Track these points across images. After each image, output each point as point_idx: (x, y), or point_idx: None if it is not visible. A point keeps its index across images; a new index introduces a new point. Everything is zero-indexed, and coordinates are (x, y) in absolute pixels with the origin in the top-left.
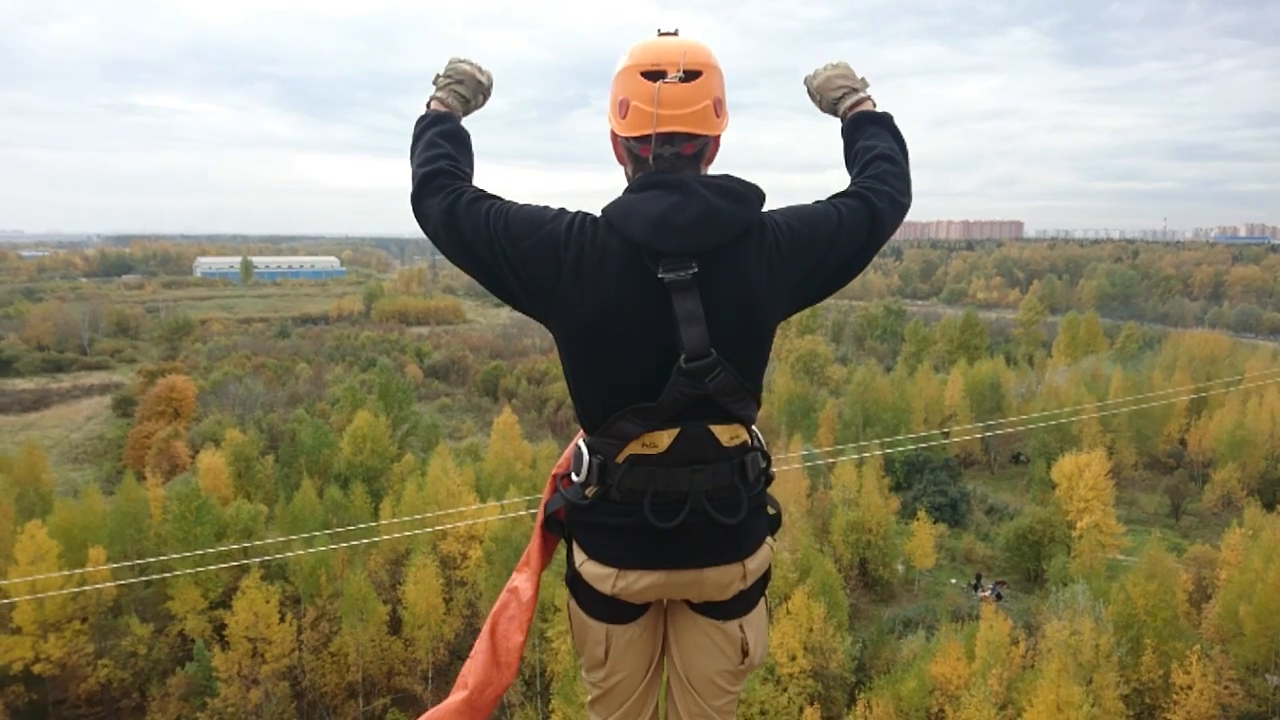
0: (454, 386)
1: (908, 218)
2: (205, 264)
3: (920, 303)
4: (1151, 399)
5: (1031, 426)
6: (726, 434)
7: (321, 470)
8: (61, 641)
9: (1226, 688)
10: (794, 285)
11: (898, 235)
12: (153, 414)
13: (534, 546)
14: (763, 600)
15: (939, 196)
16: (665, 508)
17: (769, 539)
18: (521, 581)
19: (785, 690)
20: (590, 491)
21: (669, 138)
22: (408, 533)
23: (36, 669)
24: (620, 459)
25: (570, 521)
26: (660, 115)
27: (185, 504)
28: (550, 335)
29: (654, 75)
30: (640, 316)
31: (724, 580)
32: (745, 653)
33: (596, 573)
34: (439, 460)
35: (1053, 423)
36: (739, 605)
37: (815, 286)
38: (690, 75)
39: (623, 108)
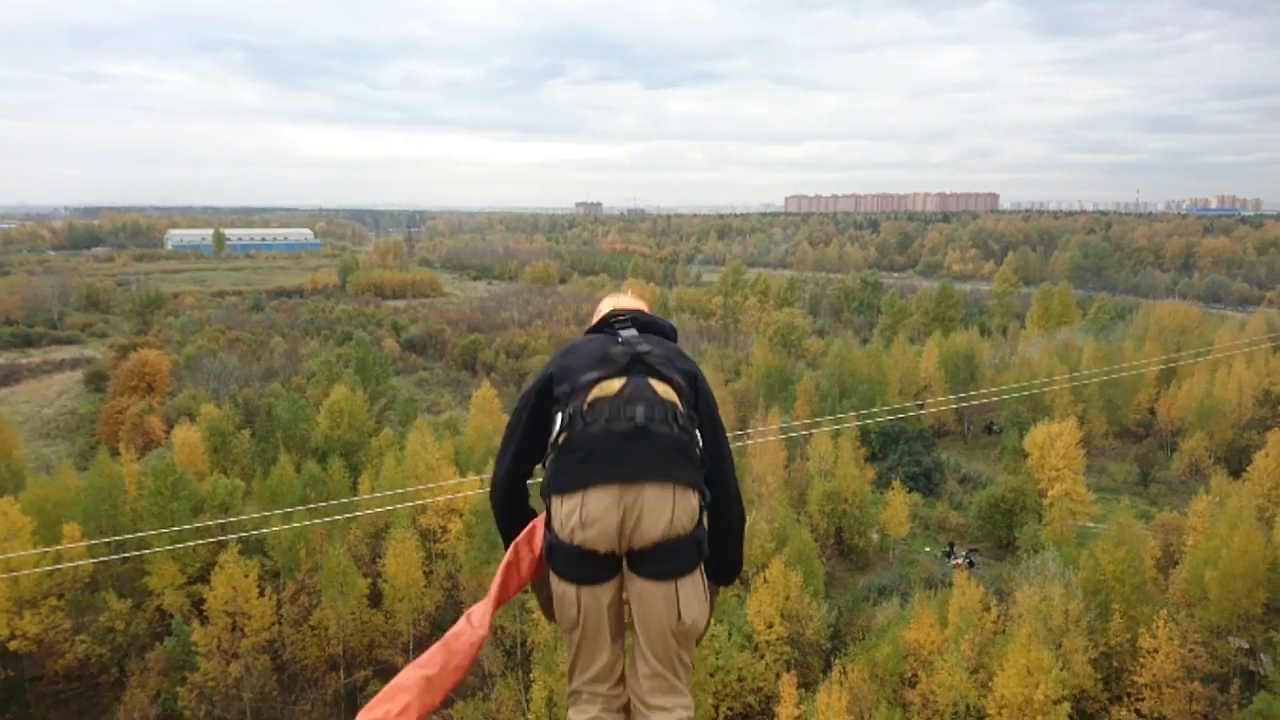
0: (432, 360)
1: (885, 190)
2: (176, 236)
3: (896, 275)
4: (1122, 369)
5: (1005, 397)
6: (661, 388)
7: (299, 444)
8: (38, 618)
9: (1191, 650)
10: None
11: (874, 208)
12: (126, 389)
13: (496, 581)
14: (699, 573)
15: (916, 169)
16: (618, 424)
17: (695, 494)
18: (479, 612)
19: (763, 657)
20: (562, 438)
21: None
22: (387, 508)
23: (13, 646)
24: (585, 404)
25: (546, 488)
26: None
27: (161, 479)
28: (528, 310)
29: None
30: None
31: (660, 505)
32: (680, 616)
33: (567, 509)
34: (417, 434)
35: (1025, 393)
36: (674, 565)
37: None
38: None
39: None
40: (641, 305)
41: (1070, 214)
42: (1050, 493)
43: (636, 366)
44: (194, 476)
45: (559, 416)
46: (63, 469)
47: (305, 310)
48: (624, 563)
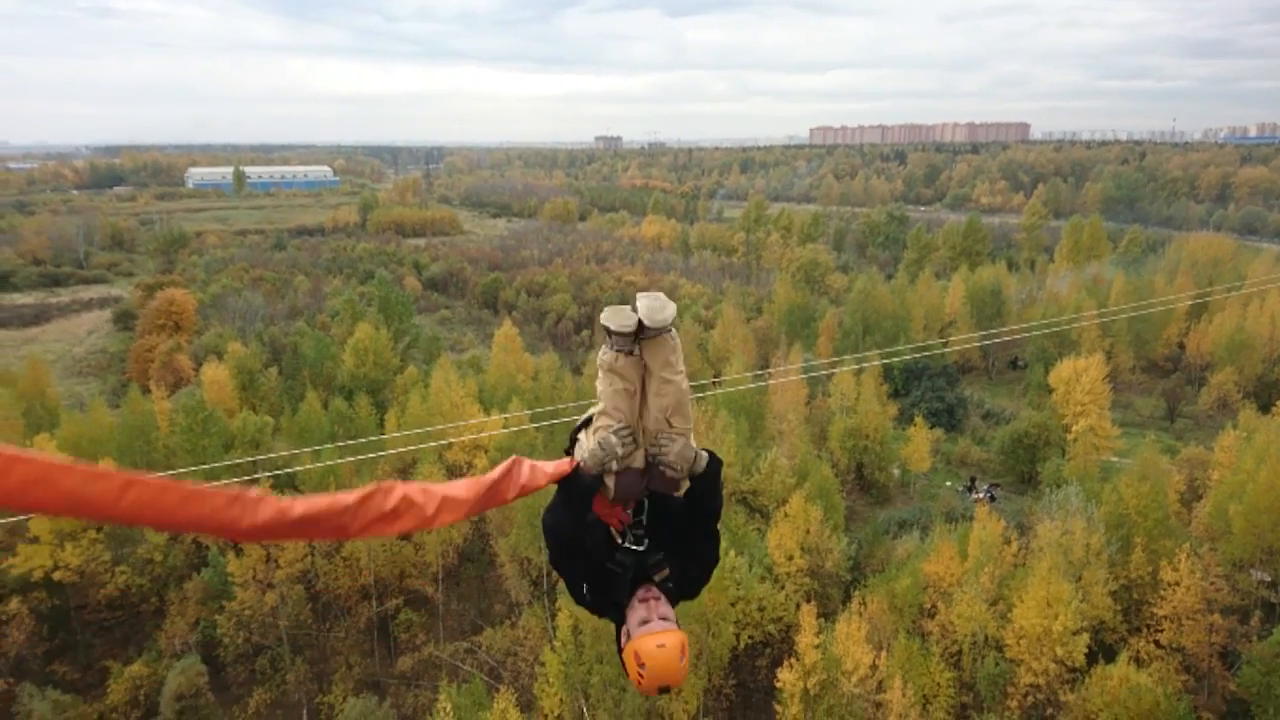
0: (453, 299)
1: (912, 121)
2: (197, 175)
3: (923, 208)
4: (1152, 304)
5: (1030, 335)
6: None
7: (325, 382)
8: (79, 550)
9: (1213, 583)
10: None
11: (902, 139)
12: (153, 328)
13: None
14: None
15: (944, 98)
16: None
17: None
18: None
19: (783, 588)
20: None
21: None
22: (414, 447)
23: (57, 576)
24: None
25: None
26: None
27: (192, 416)
28: (548, 248)
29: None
30: None
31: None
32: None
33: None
34: (441, 372)
35: (1052, 329)
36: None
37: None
38: None
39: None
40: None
41: (1103, 144)
42: (1074, 428)
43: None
44: (224, 414)
45: None
46: (96, 406)
47: (327, 249)
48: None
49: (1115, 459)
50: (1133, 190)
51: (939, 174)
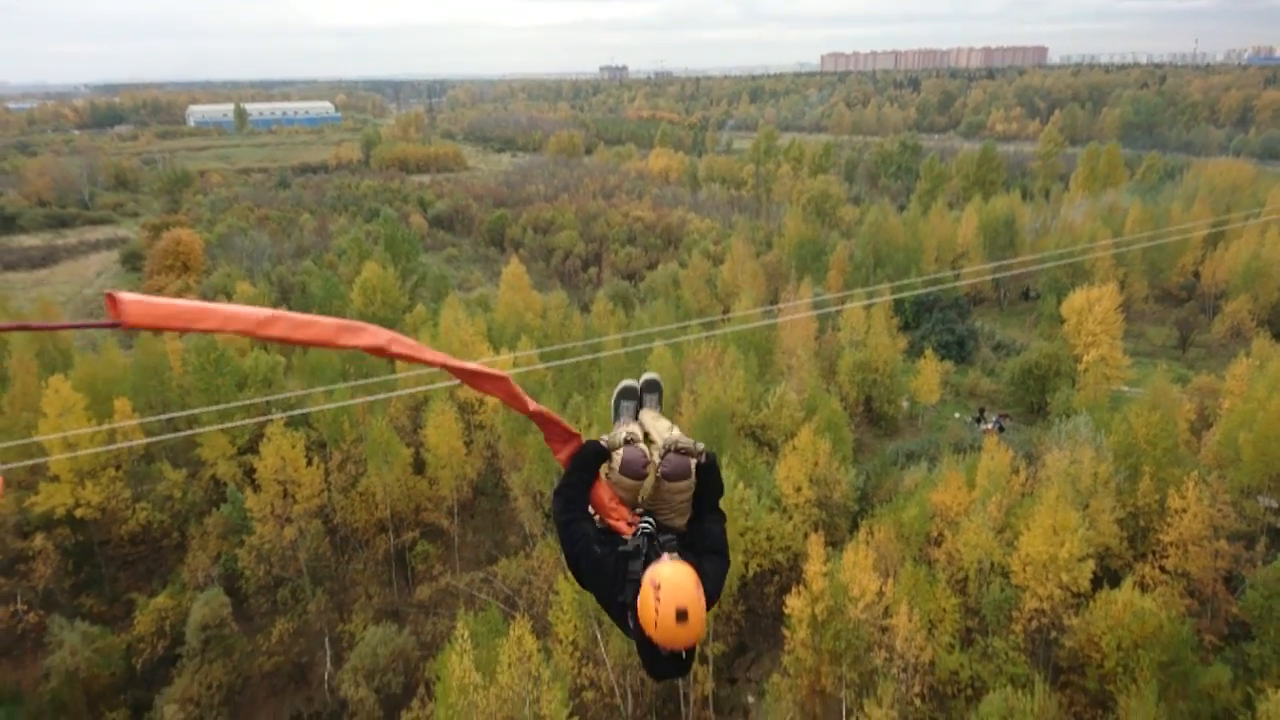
0: (459, 236)
1: (926, 46)
2: (198, 113)
3: (937, 136)
4: (1168, 233)
5: (1043, 266)
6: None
7: None
8: (99, 487)
9: (1220, 510)
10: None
11: (915, 65)
12: (162, 268)
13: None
14: None
15: (959, 21)
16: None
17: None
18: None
19: (791, 518)
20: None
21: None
22: (424, 387)
23: (79, 513)
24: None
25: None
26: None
27: (204, 356)
28: (554, 183)
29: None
30: None
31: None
32: None
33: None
34: (450, 311)
35: (1066, 262)
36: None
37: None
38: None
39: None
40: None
41: (1123, 67)
42: (1085, 358)
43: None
44: (235, 353)
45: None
46: (108, 348)
47: (331, 186)
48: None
49: (1126, 389)
50: (1151, 115)
51: (953, 101)
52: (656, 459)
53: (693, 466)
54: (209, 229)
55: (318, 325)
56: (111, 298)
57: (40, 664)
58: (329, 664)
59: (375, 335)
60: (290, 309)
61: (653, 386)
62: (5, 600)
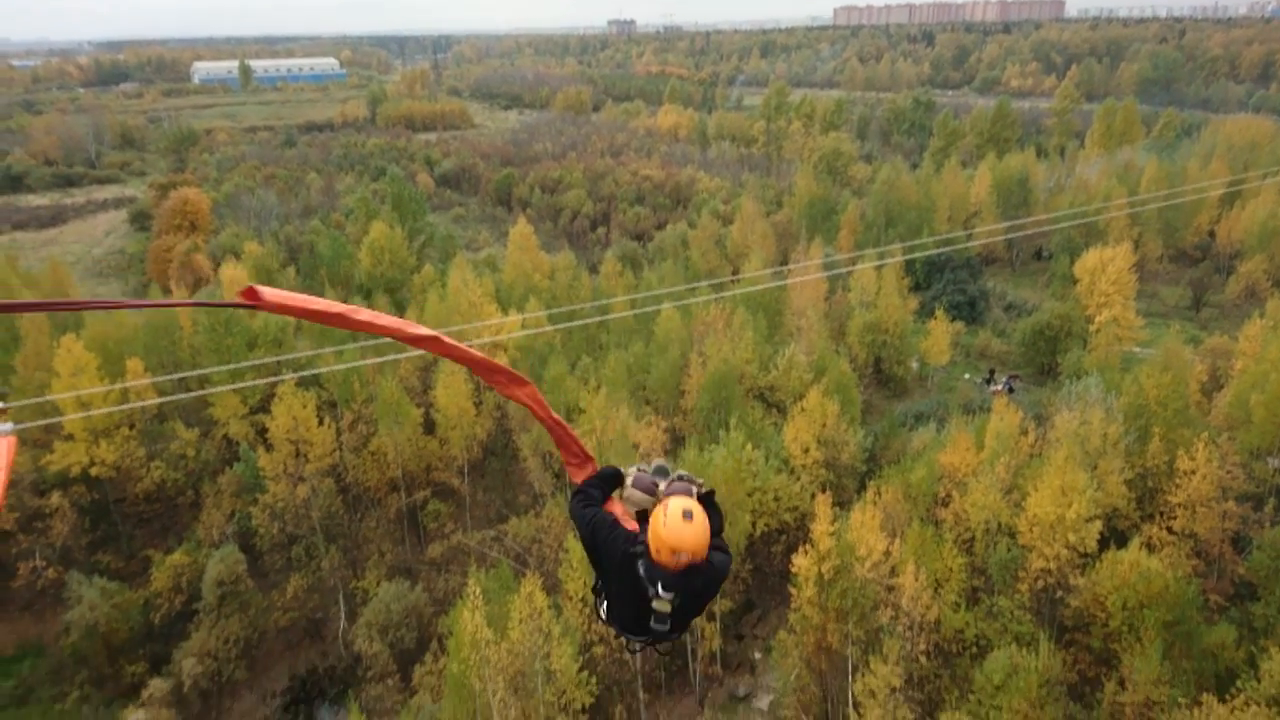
0: (466, 196)
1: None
2: (203, 70)
3: (951, 92)
4: (1184, 191)
5: (1057, 227)
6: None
7: (343, 282)
8: (113, 446)
9: (1229, 471)
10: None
11: (930, 18)
12: (170, 228)
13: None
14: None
15: None
16: None
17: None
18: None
19: (799, 479)
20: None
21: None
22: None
23: (94, 472)
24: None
25: None
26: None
27: (214, 316)
28: (561, 141)
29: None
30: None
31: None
32: None
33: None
34: (458, 272)
35: (1080, 222)
36: None
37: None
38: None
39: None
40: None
41: (1141, 21)
42: (1097, 319)
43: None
44: (245, 314)
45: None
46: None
47: (337, 145)
48: None
49: (1137, 349)
50: (1170, 71)
51: (968, 56)
52: (663, 485)
53: (695, 492)
54: (216, 188)
55: (392, 323)
56: (252, 289)
57: (60, 618)
58: (343, 619)
59: (428, 332)
60: (298, 269)
61: (663, 472)
62: (24, 556)
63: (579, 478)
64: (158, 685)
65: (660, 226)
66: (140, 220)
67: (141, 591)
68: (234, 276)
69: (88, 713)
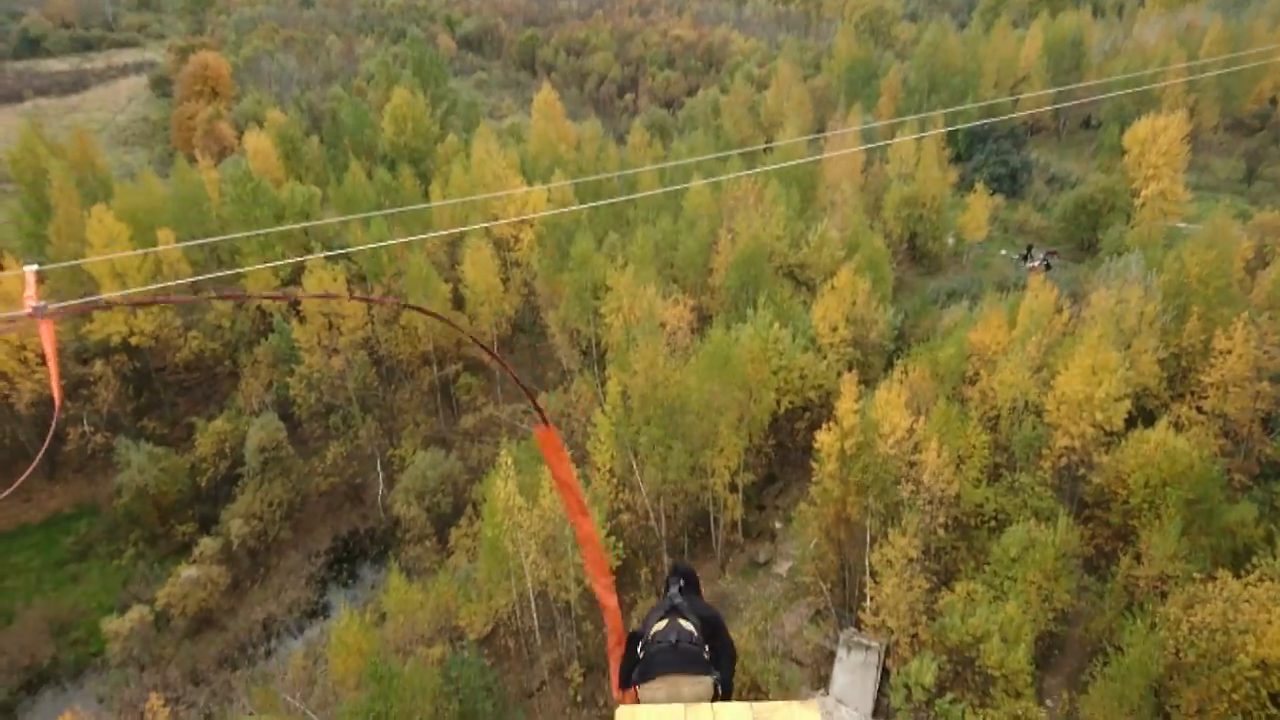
0: (489, 59)
1: None
2: None
3: None
4: (1247, 57)
5: (1108, 95)
6: (685, 623)
7: (366, 151)
8: (150, 317)
9: (1266, 352)
10: None
11: None
12: (191, 94)
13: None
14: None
15: None
16: (664, 642)
17: (707, 677)
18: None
19: (825, 358)
20: (640, 653)
21: None
22: (461, 229)
23: (134, 341)
24: (650, 635)
25: (628, 680)
26: None
27: (240, 187)
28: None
29: None
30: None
31: (686, 685)
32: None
33: (644, 694)
34: (482, 142)
35: (1134, 90)
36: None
37: None
38: None
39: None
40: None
41: None
42: (1144, 193)
43: (673, 612)
44: (271, 184)
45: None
46: (146, 177)
47: (356, 5)
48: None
49: (1183, 225)
50: None
51: None
52: (659, 625)
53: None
54: (235, 51)
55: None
56: (538, 429)
57: (111, 481)
58: (381, 485)
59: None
60: (321, 138)
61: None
62: (73, 422)
63: (614, 653)
64: (208, 544)
65: (691, 92)
66: (161, 86)
67: (187, 456)
68: (258, 145)
69: (143, 568)
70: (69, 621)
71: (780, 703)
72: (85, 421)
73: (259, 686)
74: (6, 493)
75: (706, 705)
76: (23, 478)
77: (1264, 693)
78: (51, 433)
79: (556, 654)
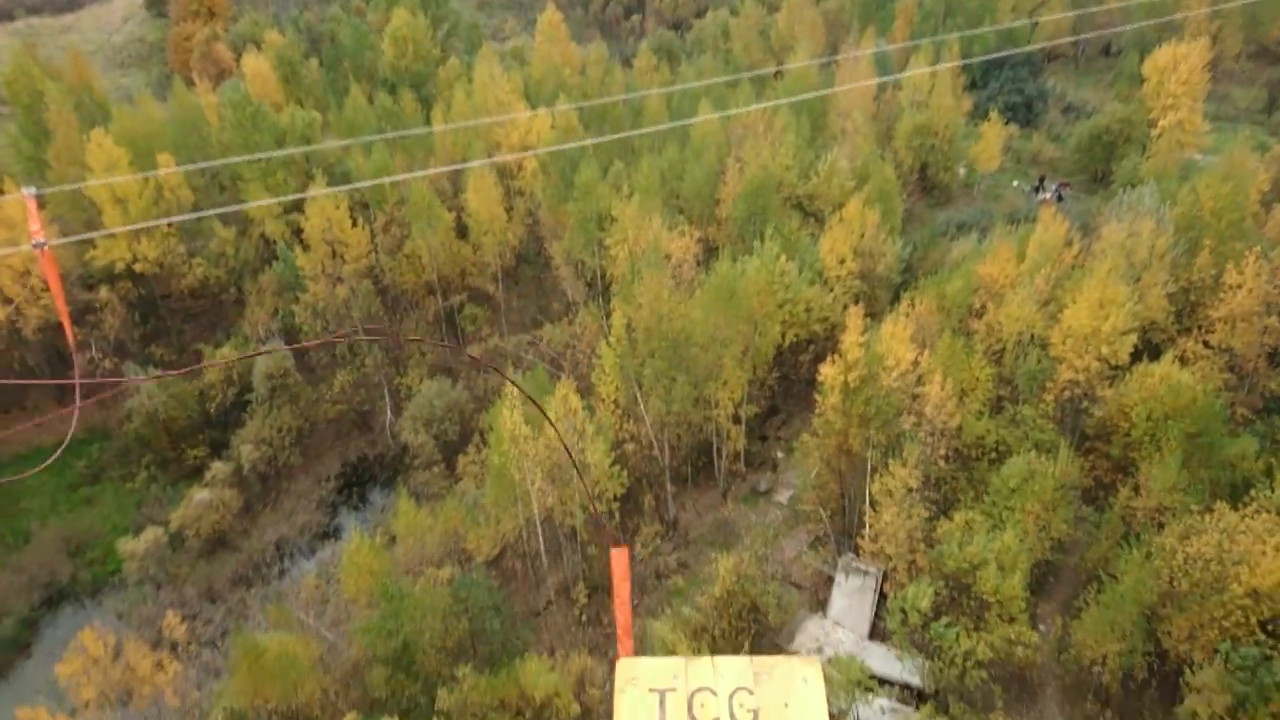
0: None
1: None
2: None
3: None
4: None
5: (1128, 26)
6: None
7: (367, 75)
8: (153, 243)
9: (1277, 286)
10: None
11: None
12: (187, 14)
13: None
14: None
15: None
16: None
17: None
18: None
19: (831, 291)
20: None
21: None
22: (465, 164)
23: (138, 268)
24: None
25: None
26: None
27: (240, 111)
28: None
29: None
30: None
31: None
32: None
33: None
34: (484, 66)
35: (1155, 21)
36: None
37: None
38: None
39: None
40: None
41: None
42: (1161, 123)
43: None
44: (271, 108)
45: None
46: (144, 100)
47: None
48: None
49: (1199, 156)
50: None
51: None
52: None
53: None
54: None
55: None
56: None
57: (121, 406)
58: (389, 412)
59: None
60: (321, 61)
61: None
62: (81, 348)
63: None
64: (219, 468)
65: (700, 14)
66: (157, 6)
67: (195, 383)
68: (257, 68)
69: (156, 491)
70: (85, 542)
71: (780, 657)
72: (94, 347)
73: (273, 604)
74: (40, 468)
75: (706, 658)
76: (65, 424)
77: (1253, 620)
78: (76, 371)
79: (562, 575)
